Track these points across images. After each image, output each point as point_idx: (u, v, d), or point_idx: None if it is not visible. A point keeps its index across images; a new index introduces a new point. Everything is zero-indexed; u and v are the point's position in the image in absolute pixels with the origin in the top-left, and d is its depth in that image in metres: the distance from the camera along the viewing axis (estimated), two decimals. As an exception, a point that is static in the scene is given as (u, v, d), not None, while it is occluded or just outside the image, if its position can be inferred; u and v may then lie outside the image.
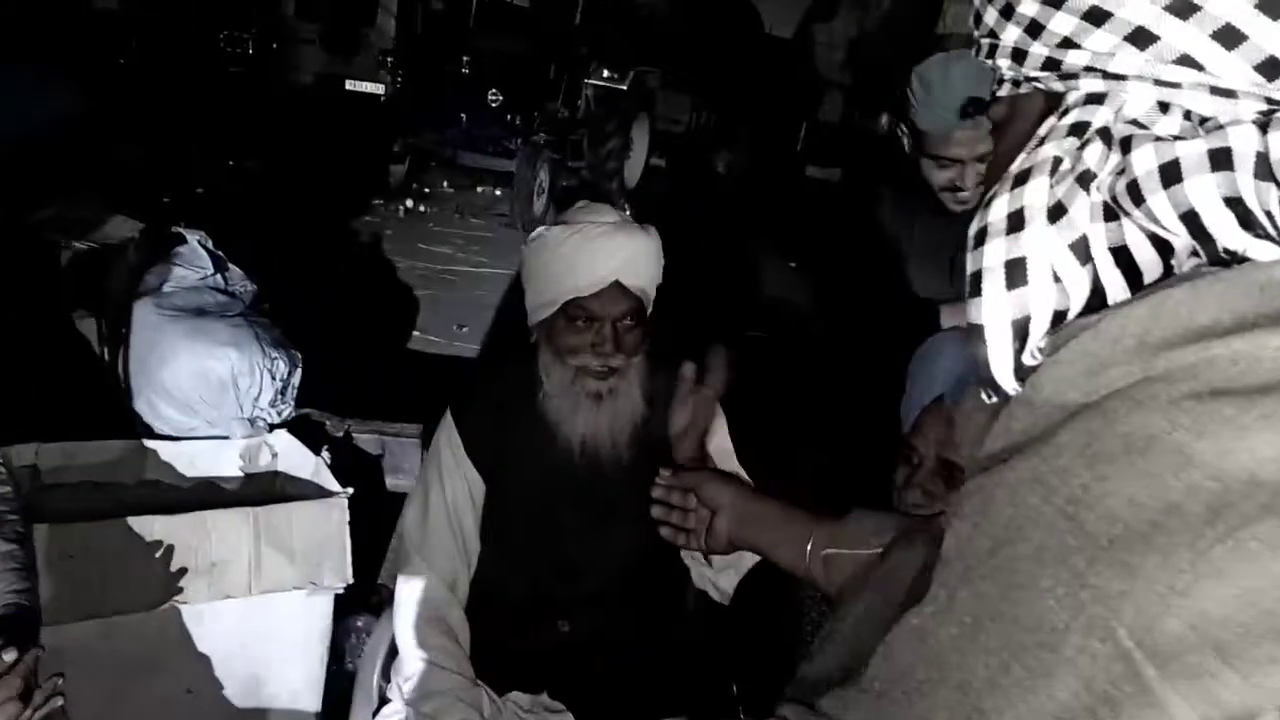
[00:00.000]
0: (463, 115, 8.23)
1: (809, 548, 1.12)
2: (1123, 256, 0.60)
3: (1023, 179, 0.63)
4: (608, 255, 1.53)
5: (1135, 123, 0.60)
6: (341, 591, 2.02)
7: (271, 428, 2.33)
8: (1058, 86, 0.64)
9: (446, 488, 1.68)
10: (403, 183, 8.45)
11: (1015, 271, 0.61)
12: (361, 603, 2.43)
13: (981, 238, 0.64)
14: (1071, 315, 0.60)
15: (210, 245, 2.60)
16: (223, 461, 2.21)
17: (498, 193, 8.90)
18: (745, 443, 1.70)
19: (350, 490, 2.03)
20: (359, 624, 2.57)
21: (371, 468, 2.64)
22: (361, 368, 3.71)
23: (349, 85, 8.05)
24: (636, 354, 1.59)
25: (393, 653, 1.73)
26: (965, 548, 0.58)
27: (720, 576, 1.60)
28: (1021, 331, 0.61)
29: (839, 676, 0.72)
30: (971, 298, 0.63)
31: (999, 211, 0.63)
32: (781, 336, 5.61)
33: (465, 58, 8.20)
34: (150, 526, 1.76)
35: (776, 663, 1.47)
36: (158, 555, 1.77)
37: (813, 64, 10.41)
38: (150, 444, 2.14)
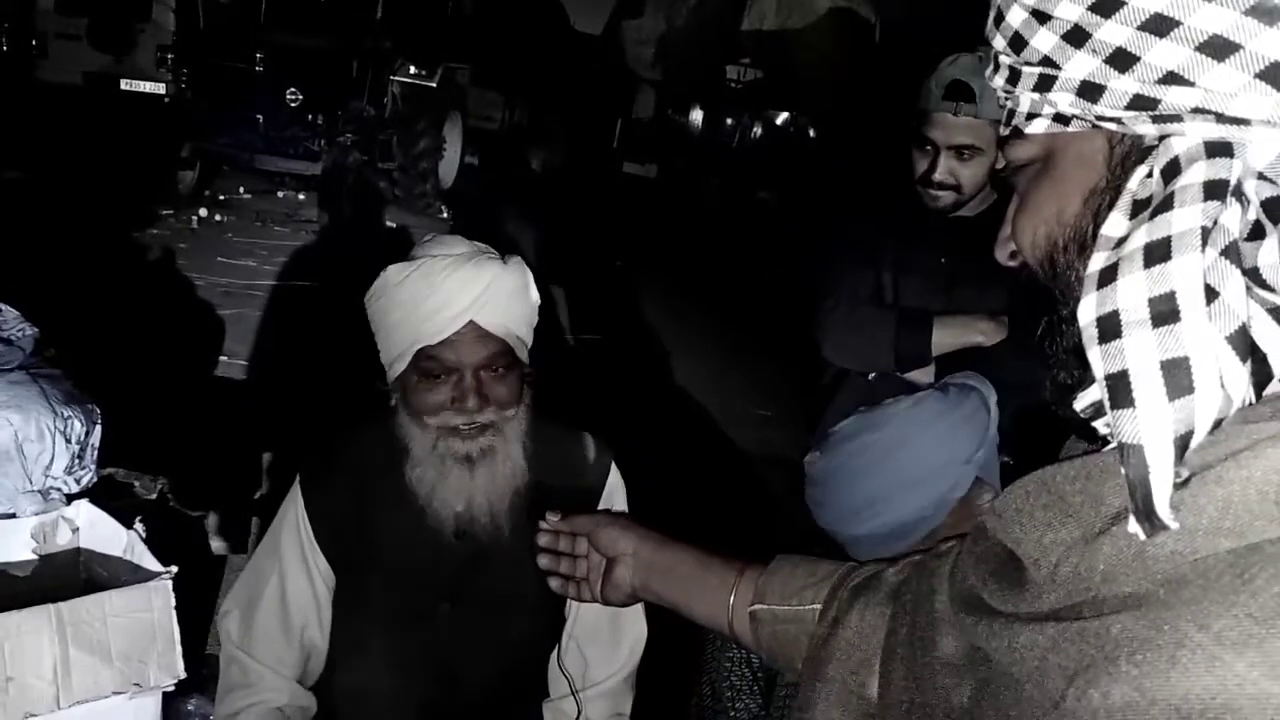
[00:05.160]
0: (259, 116, 7.67)
1: (731, 601, 1.01)
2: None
3: (1159, 254, 0.51)
4: (456, 293, 1.30)
5: (1263, 177, 0.51)
6: (172, 688, 1.75)
7: (69, 499, 2.00)
8: (1145, 130, 0.54)
9: (288, 584, 1.45)
10: (194, 190, 7.84)
11: (1176, 375, 0.49)
12: (191, 680, 2.16)
13: (1112, 328, 0.52)
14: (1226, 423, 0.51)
15: (-26, 284, 2.23)
16: (11, 545, 1.87)
17: (301, 197, 8.41)
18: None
19: (174, 569, 1.76)
20: (189, 707, 2.30)
21: (192, 530, 2.34)
22: (167, 408, 3.33)
23: (125, 85, 7.34)
24: (511, 407, 1.37)
25: None
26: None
27: (590, 706, 1.46)
28: (1183, 450, 0.50)
29: None
30: (1118, 409, 0.51)
31: (1131, 295, 0.52)
32: (616, 339, 5.56)
33: (259, 54, 7.63)
34: (-79, 641, 1.45)
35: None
36: (-67, 677, 1.46)
37: (624, 60, 10.43)
38: (-87, 532, 1.79)
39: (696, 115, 10.09)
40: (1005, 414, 1.26)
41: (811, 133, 10.62)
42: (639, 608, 1.50)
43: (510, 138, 10.24)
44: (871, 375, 1.93)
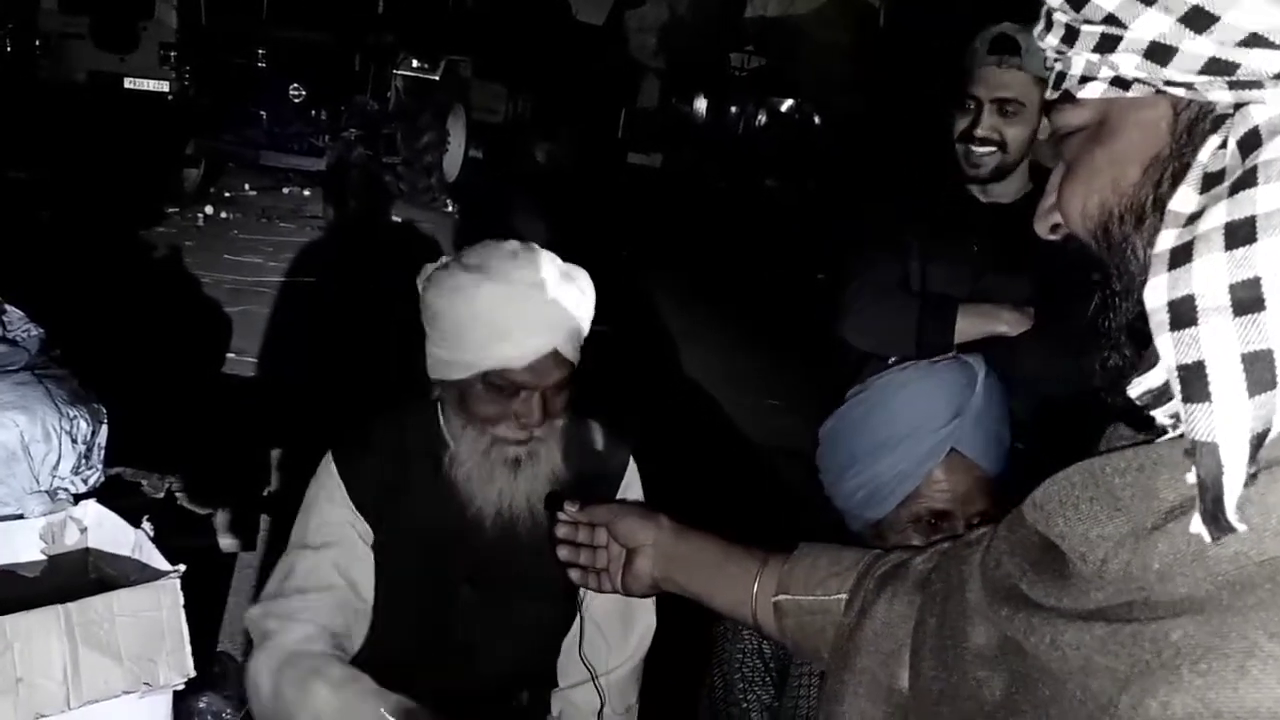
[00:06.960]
0: (262, 112, 7.66)
1: (754, 591, 0.99)
2: None
3: (1242, 236, 0.47)
4: (546, 320, 1.30)
5: None
6: (182, 687, 1.74)
7: (76, 499, 2.00)
8: (1220, 96, 0.50)
9: (331, 541, 1.42)
10: (199, 187, 7.85)
11: (1258, 369, 0.46)
12: (202, 678, 2.16)
13: (1186, 314, 0.48)
14: None
15: (-22, 284, 2.22)
16: (19, 546, 1.86)
17: (306, 193, 8.41)
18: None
19: (182, 567, 1.75)
20: (202, 704, 2.30)
21: (201, 528, 2.34)
22: (175, 407, 3.33)
23: (129, 83, 7.35)
24: (563, 415, 1.39)
25: None
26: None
27: (612, 695, 1.46)
28: (1257, 449, 0.46)
29: None
30: (1191, 403, 0.48)
31: (1210, 279, 0.47)
32: (626, 330, 5.54)
33: (261, 50, 7.62)
34: (-70, 643, 1.45)
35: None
36: (-56, 678, 1.45)
37: (627, 50, 10.39)
38: (-79, 534, 1.78)
39: (701, 104, 10.06)
40: (1023, 402, 1.24)
41: (816, 120, 10.59)
42: (650, 598, 1.50)
43: (514, 130, 10.22)
44: (891, 360, 1.93)
